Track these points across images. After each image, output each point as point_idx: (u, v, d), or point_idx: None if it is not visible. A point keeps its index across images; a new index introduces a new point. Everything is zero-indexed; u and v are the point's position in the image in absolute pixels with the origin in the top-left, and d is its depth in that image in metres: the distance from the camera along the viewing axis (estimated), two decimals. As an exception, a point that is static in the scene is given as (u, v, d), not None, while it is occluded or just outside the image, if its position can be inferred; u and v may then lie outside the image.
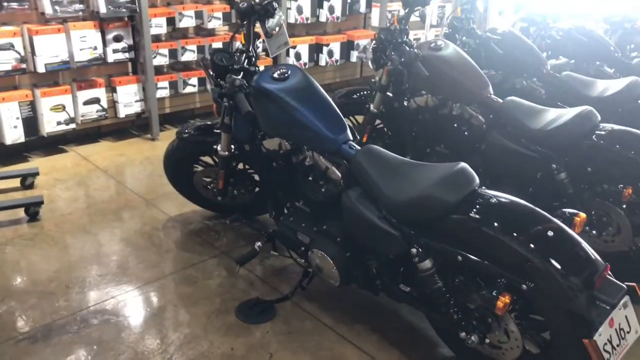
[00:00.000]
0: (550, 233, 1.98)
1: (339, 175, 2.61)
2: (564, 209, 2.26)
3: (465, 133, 3.60)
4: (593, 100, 3.60)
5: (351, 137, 2.67)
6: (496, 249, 2.04)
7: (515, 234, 2.01)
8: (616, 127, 3.07)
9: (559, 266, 1.92)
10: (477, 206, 2.14)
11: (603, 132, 3.06)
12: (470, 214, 2.12)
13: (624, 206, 3.02)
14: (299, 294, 3.00)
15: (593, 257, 1.98)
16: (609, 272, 1.95)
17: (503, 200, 2.14)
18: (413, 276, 2.44)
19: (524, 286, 1.98)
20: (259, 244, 2.98)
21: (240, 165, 3.40)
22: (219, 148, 3.14)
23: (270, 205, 3.08)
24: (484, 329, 2.25)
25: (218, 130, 3.11)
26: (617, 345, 1.95)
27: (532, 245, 1.98)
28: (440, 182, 2.20)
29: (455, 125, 3.64)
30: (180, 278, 3.17)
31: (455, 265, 2.20)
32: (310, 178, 2.72)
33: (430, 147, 3.81)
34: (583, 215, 2.20)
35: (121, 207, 3.95)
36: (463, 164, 2.26)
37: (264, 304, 2.92)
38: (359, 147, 2.59)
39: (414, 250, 2.23)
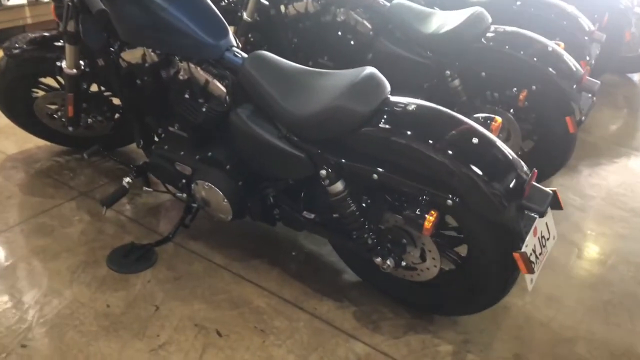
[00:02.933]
0: (475, 140, 1.77)
1: (224, 90, 2.18)
2: (477, 114, 2.07)
3: (351, 42, 3.30)
4: (425, 38, 3.00)
5: (235, 43, 2.23)
6: (417, 163, 1.80)
7: (437, 144, 1.77)
8: (508, 28, 2.95)
9: (486, 176, 1.73)
10: (392, 115, 1.87)
11: (493, 34, 2.93)
12: (386, 125, 1.84)
13: (512, 110, 2.96)
14: (182, 234, 2.60)
15: (520, 163, 1.81)
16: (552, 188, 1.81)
17: (420, 107, 1.88)
18: (317, 201, 2.16)
19: (449, 201, 1.77)
20: (127, 180, 2.50)
21: (95, 87, 2.80)
22: (63, 65, 2.52)
23: (137, 133, 2.57)
24: (400, 252, 2.05)
25: (61, 43, 2.48)
26: (540, 254, 1.85)
27: (456, 155, 1.76)
28: (348, 91, 1.87)
29: (340, 33, 3.32)
30: (30, 228, 2.60)
31: (370, 185, 1.93)
32: (186, 96, 2.25)
33: (313, 60, 3.46)
34: (499, 119, 2.03)
35: (-60, 148, 3.17)
36: (372, 69, 1.95)
37: (142, 249, 2.48)
38: (246, 55, 2.17)
39: (323, 172, 1.92)
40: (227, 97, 2.16)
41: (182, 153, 2.35)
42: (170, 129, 2.41)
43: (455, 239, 2.05)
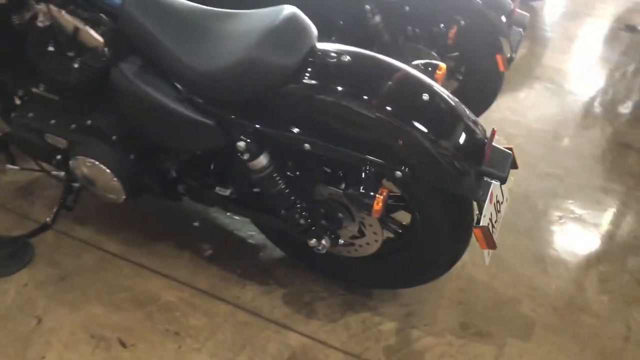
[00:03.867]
0: (425, 96, 1.46)
1: (100, 39, 1.68)
2: (416, 62, 1.75)
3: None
4: None
5: (109, -23, 1.72)
6: (357, 127, 1.47)
7: (379, 103, 1.44)
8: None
9: (441, 141, 1.43)
10: (323, 68, 1.50)
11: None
12: (315, 81, 1.48)
13: (436, 49, 2.68)
14: (64, 218, 2.11)
15: (477, 122, 1.53)
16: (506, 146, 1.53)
17: (356, 56, 1.53)
18: (233, 173, 1.78)
19: (399, 173, 1.46)
20: (-18, 157, 1.96)
21: None
22: None
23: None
24: (335, 228, 1.73)
25: None
26: (495, 221, 1.61)
27: (403, 116, 1.44)
28: (266, 39, 1.47)
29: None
30: None
31: (301, 157, 1.57)
32: (50, 49, 1.73)
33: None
34: (443, 66, 1.72)
35: None
36: (293, 9, 1.55)
37: (13, 243, 1.99)
38: (125, -8, 1.67)
39: (241, 145, 1.53)
40: (105, 48, 1.67)
41: (52, 122, 1.84)
42: (35, 90, 1.87)
43: (396, 206, 1.76)
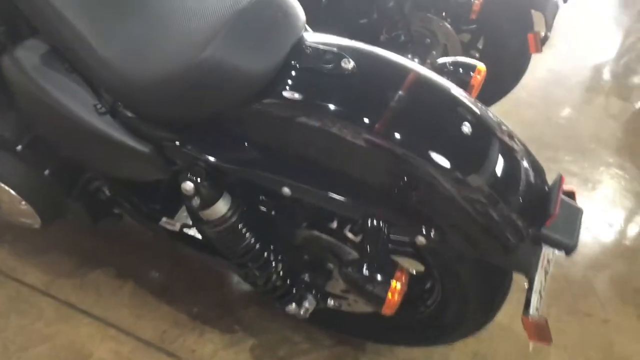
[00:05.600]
0: (465, 127, 0.98)
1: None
2: (445, 59, 1.26)
3: None
4: None
5: None
6: (361, 167, 0.99)
7: (395, 133, 0.96)
8: None
9: (485, 190, 0.97)
10: (311, 76, 1.00)
11: None
12: (299, 95, 0.98)
13: (449, 20, 2.17)
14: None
15: (537, 163, 1.06)
16: (564, 189, 1.05)
17: (360, 59, 1.02)
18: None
19: (421, 239, 0.99)
20: None
21: None
22: None
23: None
24: (322, 282, 1.28)
25: None
26: (544, 288, 1.17)
27: (430, 152, 0.97)
28: (230, 30, 0.96)
29: None
30: None
31: (276, 205, 1.10)
32: None
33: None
34: (482, 67, 1.23)
35: None
36: None
37: None
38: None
39: (187, 187, 1.04)
40: (-3, 24, 1.14)
41: None
42: None
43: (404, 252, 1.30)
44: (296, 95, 0.97)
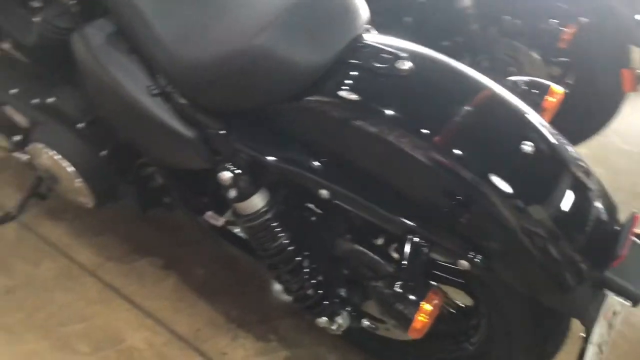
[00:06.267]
0: (533, 152, 0.89)
1: (67, -10, 1.19)
2: (516, 78, 1.17)
3: None
4: None
5: None
6: (409, 179, 0.92)
7: (451, 146, 0.89)
8: None
9: (545, 221, 0.87)
10: (366, 77, 0.95)
11: None
12: (352, 94, 0.93)
13: (537, 50, 2.05)
14: (35, 208, 1.70)
15: (609, 197, 0.95)
16: (636, 228, 0.93)
17: (420, 63, 0.96)
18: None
19: (464, 262, 0.90)
20: None
21: None
22: None
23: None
24: (359, 300, 1.21)
25: None
26: (606, 343, 1.03)
27: (486, 172, 0.89)
28: (284, 20, 0.93)
29: None
30: None
31: (316, 202, 1.05)
32: (10, -5, 1.27)
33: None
34: (559, 91, 1.13)
35: None
36: None
37: (-38, 234, 1.58)
38: None
39: (225, 175, 1.01)
40: (72, 3, 1.18)
41: (13, 91, 1.40)
42: (2, 45, 1.43)
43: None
44: (345, 94, 0.92)
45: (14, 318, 1.45)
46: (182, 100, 1.04)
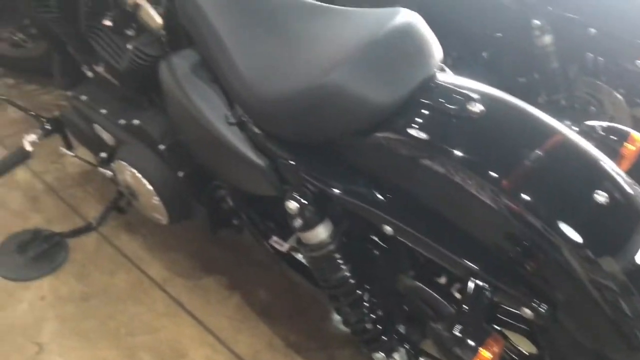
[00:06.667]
0: (607, 202, 0.86)
1: (158, 21, 1.28)
2: (593, 122, 1.14)
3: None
4: None
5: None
6: (475, 222, 0.92)
7: (519, 191, 0.88)
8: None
9: (617, 276, 0.84)
10: (437, 117, 0.95)
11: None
12: (422, 133, 0.94)
13: (622, 90, 1.97)
14: (114, 221, 1.80)
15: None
16: None
17: (493, 106, 0.95)
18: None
19: (528, 311, 0.88)
20: (32, 138, 1.68)
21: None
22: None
23: (57, 66, 1.72)
24: (419, 337, 1.19)
25: None
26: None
27: (556, 220, 0.87)
28: (359, 58, 0.95)
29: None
30: None
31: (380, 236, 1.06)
32: (106, 23, 1.37)
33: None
34: (638, 135, 1.08)
35: None
36: (407, 15, 1.02)
37: (48, 240, 1.70)
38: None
39: (292, 205, 1.04)
40: (163, 33, 1.27)
41: (103, 111, 1.50)
42: (96, 68, 1.55)
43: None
44: (416, 133, 0.93)
45: (88, 324, 1.53)
46: (257, 130, 1.08)
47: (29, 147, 1.66)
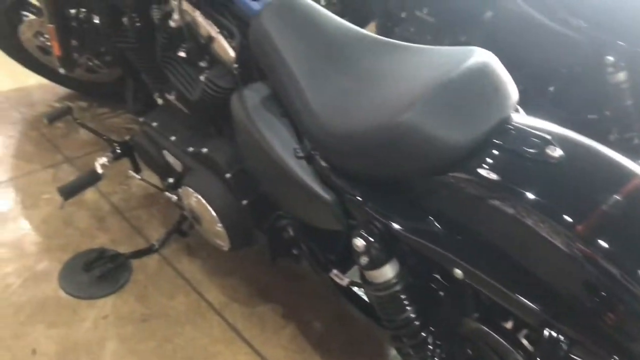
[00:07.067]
0: None
1: (231, 54, 1.31)
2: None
3: (465, -10, 2.27)
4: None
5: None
6: (550, 270, 0.88)
7: (598, 239, 0.85)
8: None
9: None
10: (513, 160, 0.93)
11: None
12: (496, 176, 0.92)
13: None
14: (175, 243, 1.84)
15: None
16: None
17: (572, 150, 0.93)
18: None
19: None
20: (103, 161, 1.74)
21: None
22: (35, -17, 1.76)
23: (130, 92, 1.80)
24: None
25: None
26: None
27: (637, 271, 0.82)
28: (434, 98, 0.95)
29: (451, -25, 2.29)
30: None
31: (447, 287, 1.03)
32: (180, 54, 1.42)
33: (407, 11, 2.48)
34: None
35: None
36: (484, 55, 1.01)
37: (112, 260, 1.74)
38: (272, -2, 1.29)
39: (359, 242, 1.03)
40: (235, 66, 1.30)
41: (172, 138, 1.54)
42: (168, 96, 1.60)
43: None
44: (491, 175, 0.91)
45: (146, 346, 1.55)
46: (325, 165, 1.09)
47: (100, 170, 1.72)
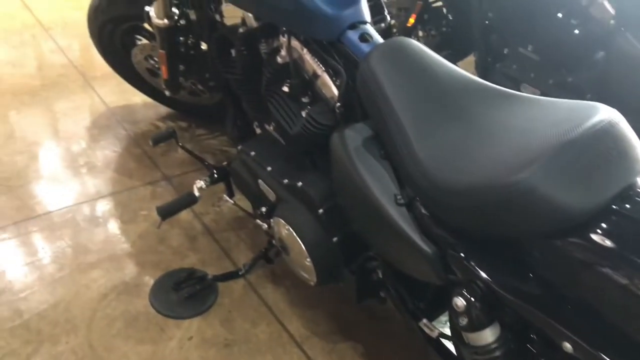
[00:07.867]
0: None
1: (335, 93, 1.32)
2: None
3: (575, 30, 2.16)
4: None
5: (367, 17, 1.33)
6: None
7: None
8: None
9: None
10: (636, 226, 0.86)
11: None
12: (614, 245, 0.85)
13: None
14: (261, 269, 1.86)
15: None
16: None
17: None
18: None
19: None
20: (200, 184, 1.79)
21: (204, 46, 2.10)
22: (151, 12, 1.86)
23: (230, 118, 1.85)
24: None
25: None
26: None
27: None
28: (555, 159, 0.89)
29: (560, 15, 2.19)
30: (82, 214, 2.04)
31: (550, 356, 0.96)
32: (284, 89, 1.44)
33: (510, 47, 2.40)
34: None
35: (48, 84, 2.76)
36: (609, 114, 0.94)
37: (201, 281, 1.78)
38: (381, 40, 1.27)
39: (459, 301, 0.99)
40: (338, 105, 1.30)
41: (269, 168, 1.56)
42: (267, 127, 1.63)
43: None
44: (611, 245, 0.84)
45: (227, 372, 1.57)
46: (427, 215, 1.05)
47: (197, 193, 1.77)
